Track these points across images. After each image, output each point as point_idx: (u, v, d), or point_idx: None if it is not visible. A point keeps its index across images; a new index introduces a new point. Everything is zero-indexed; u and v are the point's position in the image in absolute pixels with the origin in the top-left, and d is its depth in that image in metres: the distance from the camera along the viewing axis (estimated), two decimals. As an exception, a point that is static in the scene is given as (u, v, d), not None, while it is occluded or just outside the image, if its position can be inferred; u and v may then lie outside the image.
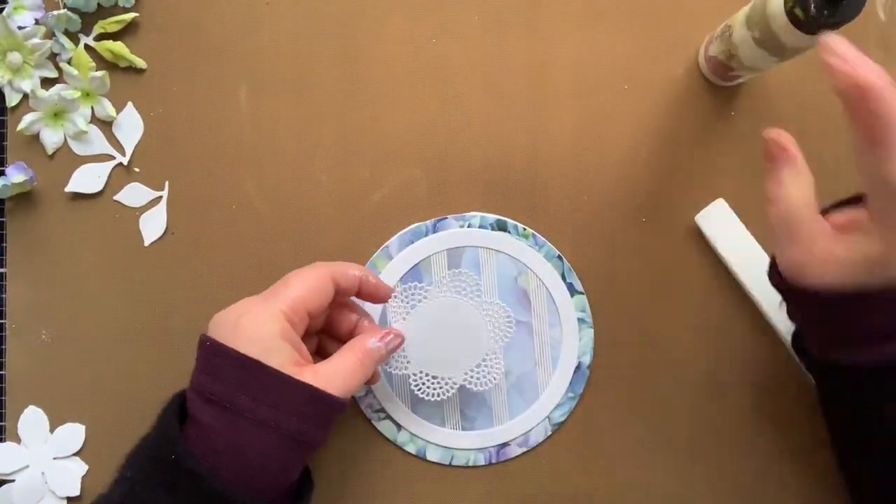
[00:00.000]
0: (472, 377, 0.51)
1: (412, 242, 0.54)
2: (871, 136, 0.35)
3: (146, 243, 0.54)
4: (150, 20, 0.55)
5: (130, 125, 0.54)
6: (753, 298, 0.53)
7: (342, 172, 0.54)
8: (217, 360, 0.43)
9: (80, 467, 0.53)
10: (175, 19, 0.55)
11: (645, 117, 0.55)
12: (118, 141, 0.54)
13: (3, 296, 0.54)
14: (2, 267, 0.54)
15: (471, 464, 0.53)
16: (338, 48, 0.55)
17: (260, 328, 0.43)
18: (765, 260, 0.53)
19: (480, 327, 0.51)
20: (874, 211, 0.38)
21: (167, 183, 0.54)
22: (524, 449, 0.53)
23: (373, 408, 0.53)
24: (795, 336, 0.47)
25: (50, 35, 0.54)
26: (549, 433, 0.53)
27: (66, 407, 0.53)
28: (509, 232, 0.54)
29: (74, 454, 0.53)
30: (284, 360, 0.43)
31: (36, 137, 0.54)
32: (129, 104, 0.54)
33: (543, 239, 0.54)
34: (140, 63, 0.54)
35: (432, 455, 0.53)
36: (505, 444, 0.53)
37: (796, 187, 0.41)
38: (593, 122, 0.55)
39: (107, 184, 0.54)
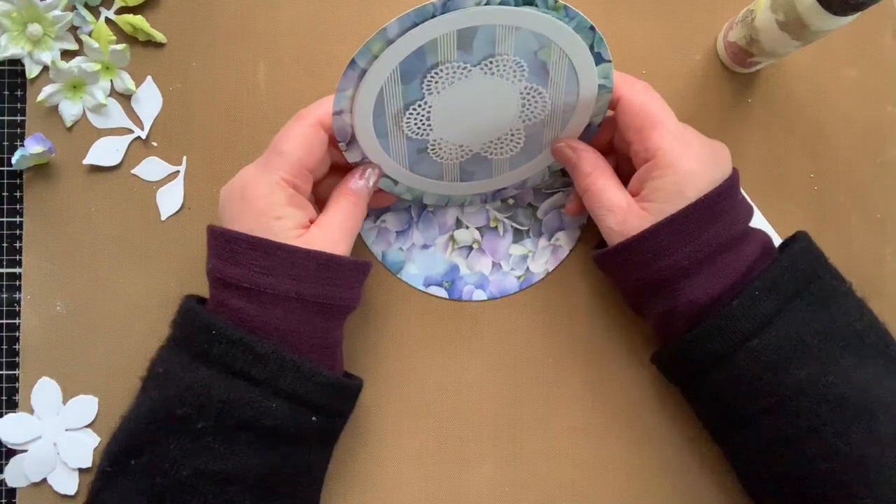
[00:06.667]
0: (489, 147, 0.51)
1: (416, 25, 0.44)
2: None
3: (162, 217, 0.54)
4: (171, -5, 0.55)
5: (149, 99, 0.54)
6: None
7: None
8: (231, 245, 0.44)
9: (92, 439, 0.53)
10: (196, -5, 0.55)
11: (662, 103, 0.55)
12: (136, 115, 0.54)
13: (20, 271, 0.54)
14: (19, 239, 0.54)
15: (466, 204, 0.54)
16: (356, 26, 0.55)
17: (264, 199, 0.45)
18: (776, 239, 0.53)
19: (512, 109, 0.49)
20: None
21: (185, 158, 0.54)
22: (519, 190, 0.54)
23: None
24: (655, 354, 0.51)
25: (71, 7, 0.54)
26: (546, 178, 0.54)
27: (79, 379, 0.53)
28: (537, 6, 0.45)
29: (87, 426, 0.53)
30: (293, 225, 0.45)
31: (55, 109, 0.54)
32: (149, 78, 0.54)
33: (576, 10, 0.45)
34: (160, 37, 0.54)
35: (429, 199, 0.53)
36: (501, 189, 0.54)
37: (599, 171, 0.48)
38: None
39: (124, 157, 0.54)
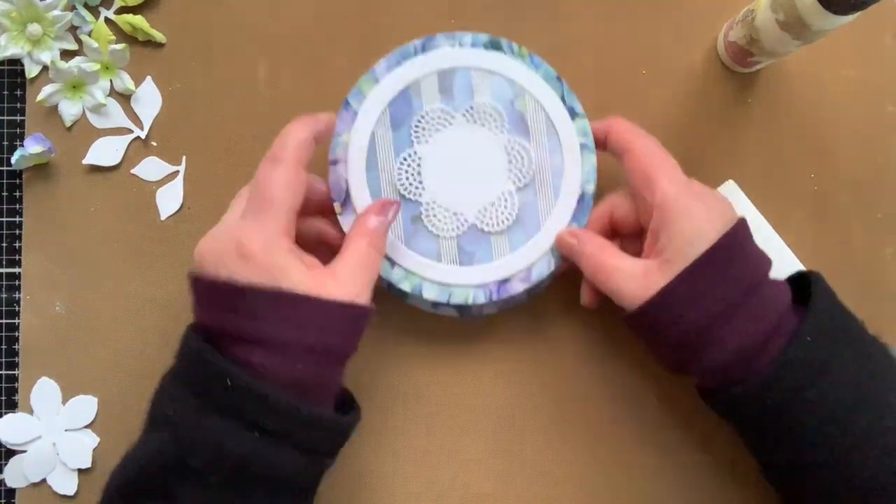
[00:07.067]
0: (483, 217, 0.50)
1: (400, 64, 0.50)
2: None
3: (162, 217, 0.54)
4: (171, -5, 0.55)
5: (149, 99, 0.54)
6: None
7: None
8: (241, 301, 0.41)
9: (91, 439, 0.53)
10: (195, -6, 0.55)
11: (662, 103, 0.55)
12: (136, 115, 0.54)
13: (19, 271, 0.54)
14: (18, 238, 0.54)
15: (470, 301, 0.50)
16: (357, 28, 0.55)
17: (267, 257, 0.41)
18: (776, 239, 0.53)
19: (499, 165, 0.50)
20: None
21: (184, 158, 0.54)
22: (526, 285, 0.50)
23: None
24: (704, 393, 0.49)
25: (70, 7, 0.54)
26: (553, 267, 0.50)
27: (78, 379, 0.53)
28: (504, 51, 0.50)
29: (86, 426, 0.53)
30: (302, 277, 0.42)
31: (54, 109, 0.54)
32: (148, 78, 0.54)
33: (540, 59, 0.51)
34: (159, 37, 0.54)
35: (429, 293, 0.50)
36: (506, 280, 0.50)
37: (604, 252, 0.47)
38: (611, 107, 0.55)
39: (124, 157, 0.54)
